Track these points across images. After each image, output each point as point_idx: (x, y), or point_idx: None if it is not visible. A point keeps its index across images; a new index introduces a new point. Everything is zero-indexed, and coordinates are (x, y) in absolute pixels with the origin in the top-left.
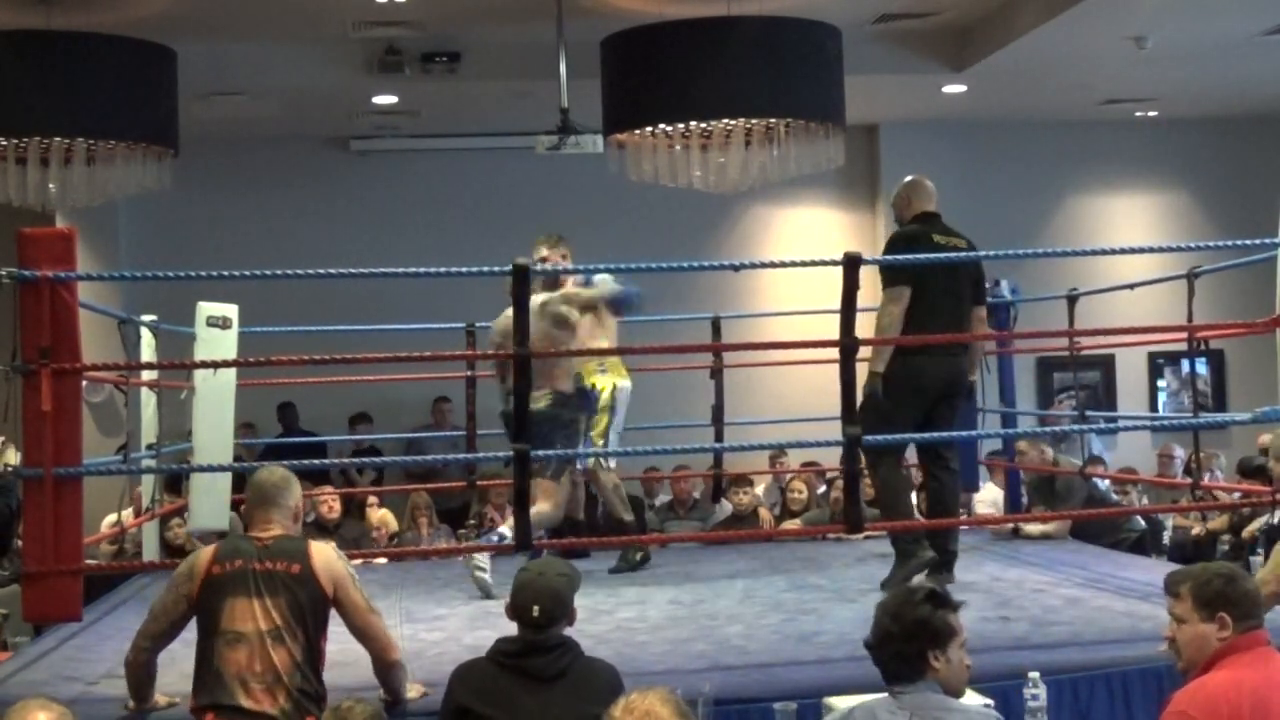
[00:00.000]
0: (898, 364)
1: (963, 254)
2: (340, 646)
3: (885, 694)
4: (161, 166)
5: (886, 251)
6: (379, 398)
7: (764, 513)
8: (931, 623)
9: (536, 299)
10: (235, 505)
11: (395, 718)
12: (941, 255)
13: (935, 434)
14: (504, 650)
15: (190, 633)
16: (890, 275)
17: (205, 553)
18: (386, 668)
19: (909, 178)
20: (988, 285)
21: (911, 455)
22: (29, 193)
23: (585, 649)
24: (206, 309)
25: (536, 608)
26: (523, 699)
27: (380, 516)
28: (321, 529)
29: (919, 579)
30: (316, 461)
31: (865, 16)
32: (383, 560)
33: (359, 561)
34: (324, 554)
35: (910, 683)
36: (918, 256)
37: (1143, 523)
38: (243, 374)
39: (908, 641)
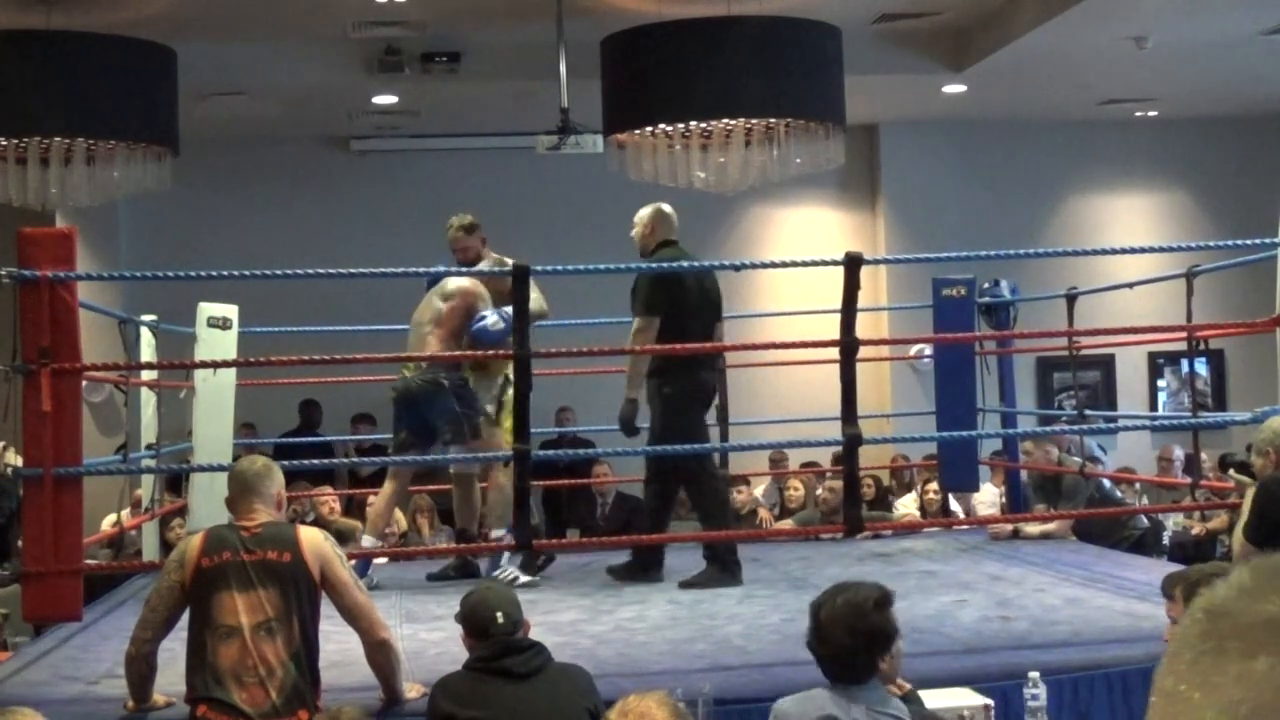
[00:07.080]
0: (685, 381)
1: (698, 265)
2: (339, 646)
3: (828, 690)
4: (161, 166)
5: (646, 282)
6: (379, 398)
7: (763, 512)
8: (884, 630)
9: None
10: None
11: (392, 718)
12: (682, 265)
13: (945, 434)
14: (480, 657)
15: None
16: (645, 305)
17: (194, 541)
18: (375, 646)
19: (654, 207)
20: (986, 285)
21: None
22: (29, 193)
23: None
24: (207, 309)
25: (500, 614)
26: (503, 697)
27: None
28: (322, 529)
29: (864, 589)
30: (314, 461)
31: (865, 16)
32: (383, 560)
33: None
34: (312, 537)
35: (860, 684)
36: (672, 265)
37: (1146, 521)
38: (242, 374)
39: (862, 651)
